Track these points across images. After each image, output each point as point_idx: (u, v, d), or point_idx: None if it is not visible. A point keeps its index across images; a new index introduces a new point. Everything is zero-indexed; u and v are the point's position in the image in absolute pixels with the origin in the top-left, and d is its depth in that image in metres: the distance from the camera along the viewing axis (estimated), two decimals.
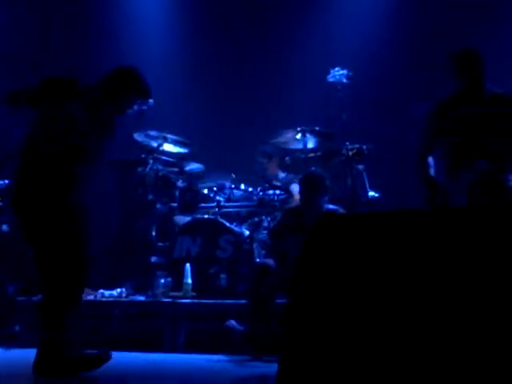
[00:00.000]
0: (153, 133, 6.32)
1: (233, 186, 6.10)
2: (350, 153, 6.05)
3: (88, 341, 4.18)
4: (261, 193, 5.96)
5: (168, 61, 7.57)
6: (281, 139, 6.39)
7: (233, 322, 4.78)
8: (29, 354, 3.93)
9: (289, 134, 6.31)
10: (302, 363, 2.41)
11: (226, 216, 6.05)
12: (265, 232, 5.85)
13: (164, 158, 6.45)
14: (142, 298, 5.59)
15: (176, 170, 6.43)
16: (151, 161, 6.24)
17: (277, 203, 5.90)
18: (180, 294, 5.47)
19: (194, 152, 6.56)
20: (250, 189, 6.07)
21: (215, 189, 6.12)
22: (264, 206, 5.93)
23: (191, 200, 6.14)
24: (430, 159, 4.60)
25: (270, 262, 5.00)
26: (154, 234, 6.14)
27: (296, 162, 6.50)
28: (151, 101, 6.41)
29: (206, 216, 6.02)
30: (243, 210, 6.20)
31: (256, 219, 5.97)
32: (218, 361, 4.63)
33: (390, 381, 2.27)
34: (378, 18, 7.36)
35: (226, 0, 7.79)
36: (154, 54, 7.55)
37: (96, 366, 3.87)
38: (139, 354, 4.94)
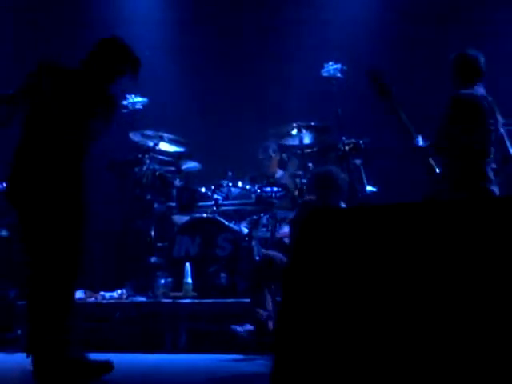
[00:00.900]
0: (149, 132, 6.31)
1: (230, 183, 6.09)
2: (347, 147, 6.02)
3: (88, 343, 4.17)
4: (258, 190, 5.95)
5: (163, 59, 7.53)
6: (277, 136, 6.39)
7: (237, 328, 4.75)
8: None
9: (284, 130, 6.30)
10: (295, 360, 2.39)
11: (225, 214, 6.04)
12: (263, 229, 5.85)
13: (161, 157, 6.44)
14: (142, 299, 5.60)
15: (173, 169, 6.42)
16: (148, 160, 6.23)
17: (275, 200, 5.89)
18: (180, 294, 5.48)
19: (191, 151, 6.54)
20: (248, 186, 6.07)
21: (213, 187, 6.11)
22: (262, 203, 5.92)
23: (189, 199, 6.13)
24: None
25: (274, 253, 4.99)
26: (152, 234, 6.13)
27: (292, 157, 6.50)
28: (146, 99, 6.45)
29: (204, 215, 6.02)
30: (241, 207, 6.20)
31: (254, 217, 5.96)
32: (221, 360, 4.63)
33: (385, 377, 2.26)
34: (372, 12, 7.33)
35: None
36: (149, 50, 7.51)
37: (96, 376, 3.82)
38: (141, 355, 4.95)
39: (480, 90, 4.57)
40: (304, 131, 6.18)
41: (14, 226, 5.63)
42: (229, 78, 7.52)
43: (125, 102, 6.34)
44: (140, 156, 6.32)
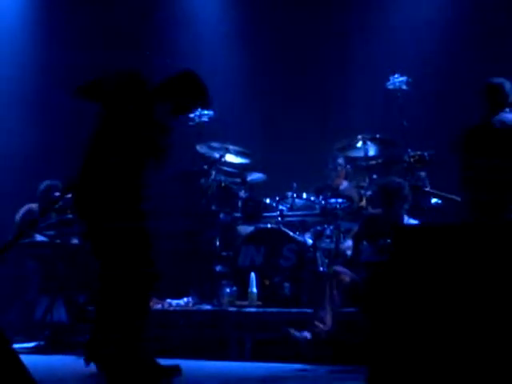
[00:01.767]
0: (215, 144, 6.43)
1: (295, 195, 6.14)
2: (412, 160, 6.02)
3: (155, 349, 4.27)
4: (323, 201, 5.99)
5: (228, 71, 7.66)
6: (342, 148, 6.43)
7: (293, 331, 4.76)
8: None
9: (349, 142, 6.33)
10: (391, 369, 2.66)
11: (289, 225, 6.09)
12: (327, 240, 5.87)
13: (226, 168, 6.56)
14: (208, 307, 5.67)
15: (238, 180, 6.52)
16: (214, 172, 6.35)
17: (339, 212, 5.92)
18: (246, 303, 5.54)
19: (256, 162, 6.64)
20: (312, 197, 6.11)
21: (277, 198, 6.17)
22: (326, 214, 5.95)
23: (254, 210, 6.21)
24: None
25: (342, 269, 4.99)
26: (217, 243, 6.23)
27: (357, 169, 6.52)
28: (212, 112, 6.58)
29: (268, 225, 6.07)
30: (306, 218, 6.24)
31: (319, 228, 5.99)
32: (284, 370, 4.64)
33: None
34: (440, 24, 7.29)
35: (285, 7, 7.83)
36: (214, 64, 7.66)
37: (167, 378, 3.92)
38: (206, 362, 5.01)
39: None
40: (369, 143, 6.22)
41: (84, 234, 5.84)
42: (294, 89, 7.59)
43: (192, 115, 6.49)
44: (206, 167, 6.45)
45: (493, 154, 4.85)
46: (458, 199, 5.50)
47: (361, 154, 6.28)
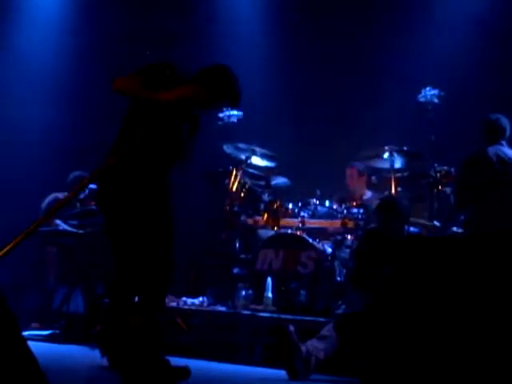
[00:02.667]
0: (242, 145, 6.43)
1: (317, 202, 6.12)
2: (438, 175, 5.97)
3: (166, 347, 4.28)
4: (345, 211, 5.96)
5: (259, 74, 7.65)
6: (368, 157, 6.39)
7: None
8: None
9: (376, 152, 6.29)
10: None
11: (310, 232, 6.07)
12: (347, 250, 5.84)
13: (251, 170, 6.55)
14: (222, 309, 5.67)
15: (262, 183, 6.52)
16: (239, 173, 6.34)
17: (361, 222, 5.89)
18: (260, 307, 5.53)
19: (281, 166, 6.63)
20: (335, 206, 6.09)
21: (300, 204, 6.16)
22: (347, 224, 5.92)
23: (276, 214, 6.20)
24: None
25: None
26: (237, 245, 6.23)
27: (382, 181, 6.47)
28: (241, 113, 6.58)
29: (289, 231, 6.06)
30: (327, 227, 6.22)
31: (339, 237, 5.96)
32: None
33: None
34: (473, 38, 7.20)
35: (318, 16, 7.81)
36: (246, 66, 7.66)
37: (173, 380, 3.91)
38: (216, 364, 5.03)
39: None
40: (396, 155, 6.16)
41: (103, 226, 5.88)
42: (325, 96, 7.56)
43: (221, 115, 6.51)
44: (231, 168, 6.45)
45: (487, 184, 5.38)
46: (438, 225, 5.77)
47: (387, 165, 6.22)
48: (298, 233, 5.96)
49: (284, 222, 6.13)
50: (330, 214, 6.12)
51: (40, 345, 5.10)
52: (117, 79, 3.92)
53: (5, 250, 2.66)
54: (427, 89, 6.22)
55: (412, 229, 5.09)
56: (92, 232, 6.55)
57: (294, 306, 5.56)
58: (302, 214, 6.11)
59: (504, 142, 5.59)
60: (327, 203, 6.13)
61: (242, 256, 6.23)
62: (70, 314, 6.02)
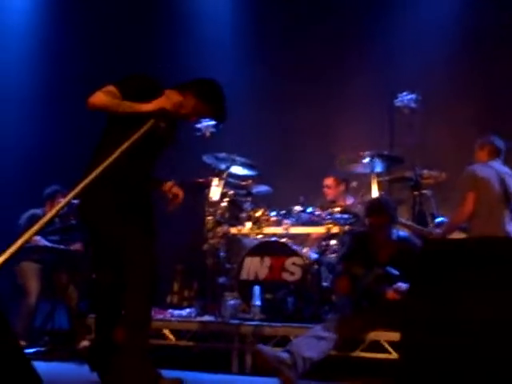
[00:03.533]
0: (221, 155, 6.41)
1: (301, 208, 6.12)
2: (419, 178, 6.02)
3: (156, 360, 4.23)
4: (329, 216, 5.97)
5: (237, 82, 7.66)
6: (348, 162, 6.42)
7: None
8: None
9: (356, 157, 6.31)
10: None
11: (294, 239, 6.07)
12: (332, 256, 5.86)
13: (232, 180, 6.53)
14: (210, 319, 5.63)
15: (244, 192, 6.50)
16: (220, 183, 6.31)
17: (345, 227, 5.90)
18: (248, 315, 5.51)
19: (262, 174, 6.62)
20: (318, 212, 6.09)
21: (283, 211, 6.15)
22: (331, 229, 5.93)
23: (259, 222, 6.18)
24: None
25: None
26: (221, 255, 6.20)
27: (363, 186, 6.50)
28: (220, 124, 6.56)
29: (273, 238, 6.05)
30: (311, 233, 6.23)
31: (323, 243, 5.98)
32: None
33: None
34: (449, 40, 7.30)
35: (296, 25, 7.86)
36: (224, 74, 7.67)
37: None
38: (207, 374, 4.99)
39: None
40: (376, 160, 6.19)
41: (87, 240, 5.82)
42: (303, 103, 7.59)
43: (199, 125, 6.48)
44: (212, 178, 6.42)
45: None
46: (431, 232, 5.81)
47: (368, 170, 6.26)
48: (283, 240, 5.95)
49: (268, 229, 6.10)
50: (314, 220, 6.11)
51: None
52: (90, 98, 3.90)
53: None
54: (404, 93, 6.28)
55: (401, 233, 5.11)
56: (72, 247, 6.49)
57: (282, 314, 5.54)
58: (285, 221, 6.09)
59: (498, 159, 5.67)
60: (310, 209, 6.13)
61: (227, 265, 6.19)
62: (54, 330, 5.94)
